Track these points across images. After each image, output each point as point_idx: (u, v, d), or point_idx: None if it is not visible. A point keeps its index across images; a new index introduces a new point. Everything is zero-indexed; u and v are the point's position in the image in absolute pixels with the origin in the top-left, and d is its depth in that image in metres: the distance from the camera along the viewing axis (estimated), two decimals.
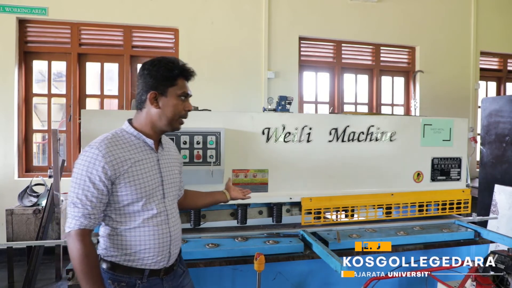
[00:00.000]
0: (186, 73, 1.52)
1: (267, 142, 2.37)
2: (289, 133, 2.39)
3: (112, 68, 4.80)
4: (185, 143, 2.16)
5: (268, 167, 2.36)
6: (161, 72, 1.47)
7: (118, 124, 2.14)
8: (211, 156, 2.19)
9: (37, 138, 4.74)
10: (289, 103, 2.77)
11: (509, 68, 6.37)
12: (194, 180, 2.19)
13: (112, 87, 4.84)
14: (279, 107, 2.76)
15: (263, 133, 2.36)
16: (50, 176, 3.69)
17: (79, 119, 2.17)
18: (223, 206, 2.35)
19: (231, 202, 2.29)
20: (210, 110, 2.53)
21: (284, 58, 5.03)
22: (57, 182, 3.51)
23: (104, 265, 1.45)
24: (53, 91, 4.68)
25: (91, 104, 4.81)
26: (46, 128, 4.65)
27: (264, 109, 2.85)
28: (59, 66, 4.70)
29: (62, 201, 3.77)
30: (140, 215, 1.44)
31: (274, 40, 4.98)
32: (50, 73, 4.61)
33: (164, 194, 1.53)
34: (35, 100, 4.61)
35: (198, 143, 2.18)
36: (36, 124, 4.65)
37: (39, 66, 4.64)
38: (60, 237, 3.57)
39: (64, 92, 4.65)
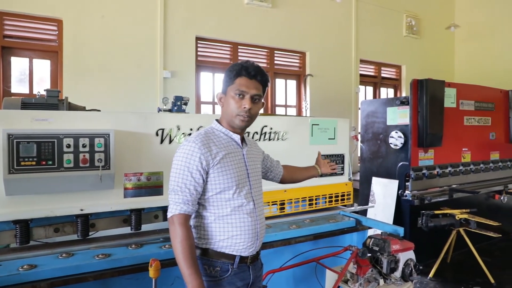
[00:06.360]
0: (243, 71, 1.61)
1: (161, 143, 2.29)
2: (184, 134, 2.35)
3: None
4: (68, 146, 1.95)
5: (163, 169, 2.28)
6: (225, 74, 1.66)
7: None
8: (100, 160, 2.02)
9: None
10: (185, 104, 2.73)
11: (382, 75, 7.32)
12: (79, 187, 2.01)
13: None
14: (175, 108, 2.70)
15: (157, 134, 2.27)
16: None
17: None
18: (114, 212, 2.21)
19: (123, 207, 2.18)
20: (99, 110, 2.35)
21: (180, 58, 4.93)
22: None
23: (198, 252, 1.58)
24: None
25: None
26: None
27: (159, 110, 2.76)
28: None
29: None
30: (231, 204, 1.58)
31: (170, 39, 4.84)
32: None
33: (251, 185, 1.67)
34: None
35: (84, 146, 1.99)
36: None
37: None
38: None
39: None
